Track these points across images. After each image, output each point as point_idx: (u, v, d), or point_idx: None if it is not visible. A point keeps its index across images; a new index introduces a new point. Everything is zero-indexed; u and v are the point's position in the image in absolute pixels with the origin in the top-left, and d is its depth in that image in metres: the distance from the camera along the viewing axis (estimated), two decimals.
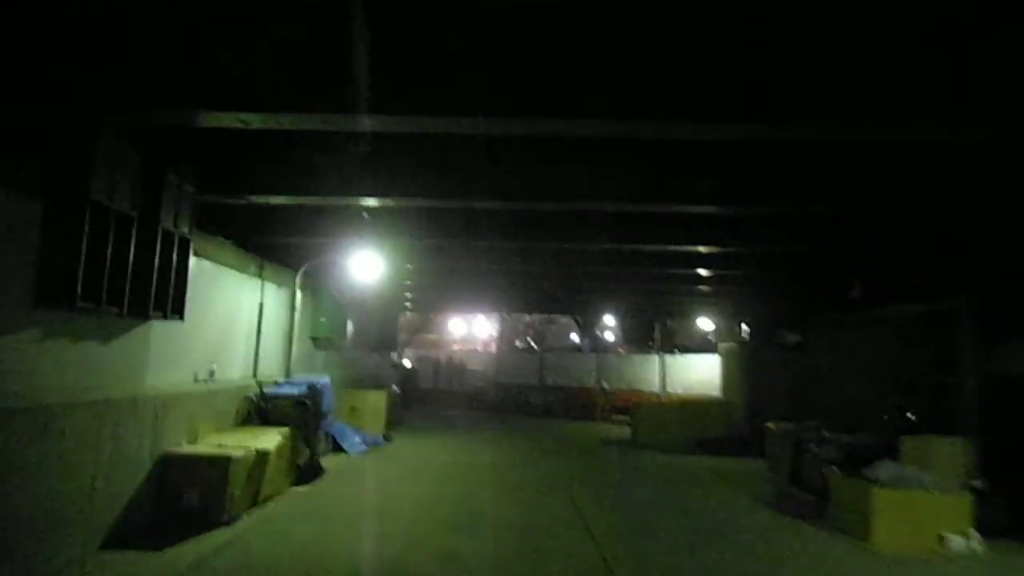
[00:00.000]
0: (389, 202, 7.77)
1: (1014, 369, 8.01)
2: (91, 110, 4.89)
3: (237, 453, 6.83)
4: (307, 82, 4.60)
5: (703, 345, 22.64)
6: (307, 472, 8.81)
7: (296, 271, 10.43)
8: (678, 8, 4.26)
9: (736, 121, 4.56)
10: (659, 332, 21.85)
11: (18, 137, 4.77)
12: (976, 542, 6.90)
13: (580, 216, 8.97)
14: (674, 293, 15.82)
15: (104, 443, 5.68)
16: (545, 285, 14.35)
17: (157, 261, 6.28)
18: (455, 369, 28.60)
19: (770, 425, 12.04)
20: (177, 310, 6.76)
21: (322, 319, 12.77)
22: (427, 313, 32.40)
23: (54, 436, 5.06)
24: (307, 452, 8.73)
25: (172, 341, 7.39)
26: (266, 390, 8.95)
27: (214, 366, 8.28)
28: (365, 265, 10.24)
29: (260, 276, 10.14)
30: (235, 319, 9.32)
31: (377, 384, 16.53)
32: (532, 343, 31.88)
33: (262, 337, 10.11)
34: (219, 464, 6.63)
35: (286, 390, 8.99)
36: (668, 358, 20.41)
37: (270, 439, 7.79)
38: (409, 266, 12.19)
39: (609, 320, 27.68)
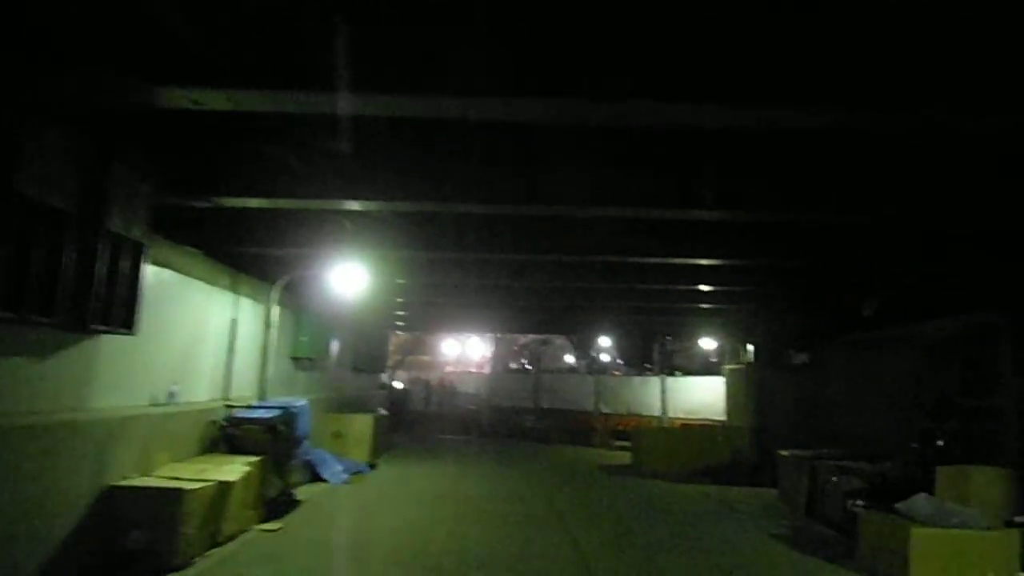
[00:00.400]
0: (372, 206, 7.06)
1: None
2: (12, 83, 4.15)
3: (192, 485, 6.01)
4: (277, 55, 3.89)
5: (705, 367, 21.85)
6: (279, 506, 7.96)
7: (273, 284, 9.65)
8: None
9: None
10: (659, 353, 21.09)
11: None
12: None
13: (578, 225, 8.27)
14: (675, 311, 15.10)
15: (26, 478, 4.85)
16: (540, 302, 13.59)
17: (101, 268, 5.53)
18: (447, 391, 27.73)
19: (782, 453, 11.24)
20: (126, 323, 5.99)
21: (303, 337, 11.97)
22: (420, 333, 31.60)
23: None
24: (279, 483, 7.89)
25: (125, 359, 6.59)
26: (236, 414, 8.13)
27: (176, 387, 7.47)
28: (348, 278, 9.48)
29: (234, 290, 9.36)
30: (203, 336, 8.52)
31: (364, 407, 15.68)
32: (527, 365, 31.05)
33: (235, 356, 9.31)
34: (170, 498, 5.81)
35: (258, 414, 8.17)
36: (669, 380, 19.59)
37: (235, 469, 6.97)
38: (401, 281, 11.44)
39: (605, 341, 26.95)
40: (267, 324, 9.38)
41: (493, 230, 8.44)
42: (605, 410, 20.04)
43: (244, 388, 9.49)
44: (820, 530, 8.88)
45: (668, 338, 20.22)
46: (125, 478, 6.13)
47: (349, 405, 14.82)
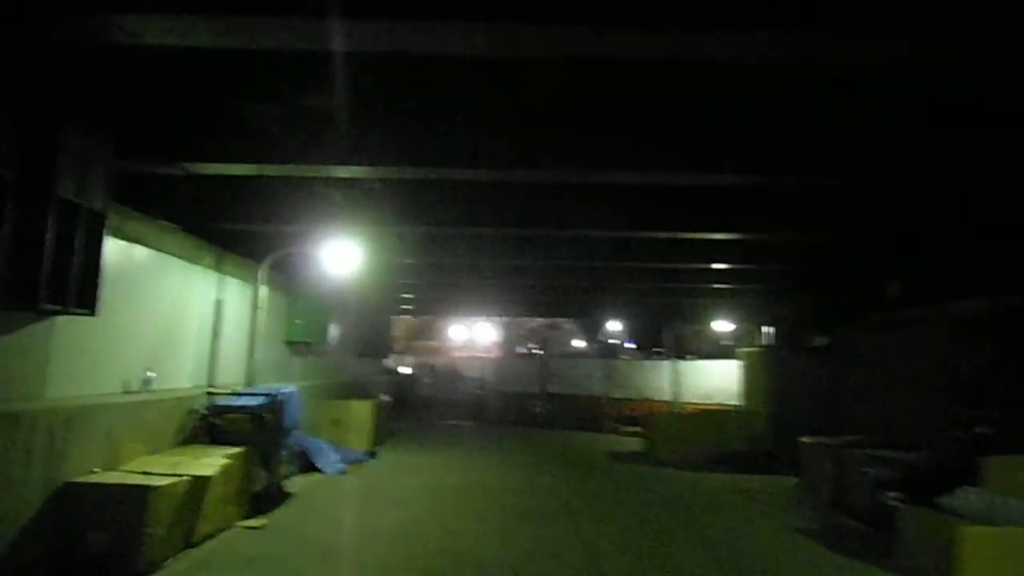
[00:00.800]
0: (361, 172, 6.41)
1: None
2: None
3: (160, 482, 5.43)
4: None
5: (718, 350, 21.16)
6: (266, 500, 7.39)
7: (261, 263, 9.04)
8: None
9: None
10: (670, 336, 20.41)
11: None
12: None
13: (589, 193, 7.61)
14: (687, 292, 14.44)
15: None
16: (547, 282, 12.94)
17: (52, 240, 4.91)
18: (452, 376, 27.20)
19: (805, 440, 10.58)
20: (84, 302, 5.37)
21: (298, 320, 11.38)
22: (426, 317, 31.02)
23: None
24: (264, 476, 7.31)
25: (90, 343, 6.01)
26: (218, 402, 7.54)
27: (151, 373, 6.89)
28: (341, 256, 8.85)
29: (218, 269, 8.75)
30: (185, 318, 7.93)
31: (366, 393, 15.11)
32: (535, 349, 30.48)
33: (220, 340, 8.72)
34: (133, 496, 5.23)
35: (242, 401, 7.58)
36: (681, 364, 18.92)
37: (213, 462, 6.38)
38: (408, 260, 10.81)
39: (614, 324, 26.26)
40: (254, 306, 8.76)
41: (494, 202, 7.80)
42: (615, 395, 19.41)
43: (231, 374, 8.92)
44: (848, 523, 8.25)
45: (680, 321, 19.53)
46: (90, 472, 5.57)
47: (350, 391, 14.26)
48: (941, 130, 5.29)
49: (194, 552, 5.84)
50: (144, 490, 5.23)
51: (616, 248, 9.90)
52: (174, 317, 7.68)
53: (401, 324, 36.76)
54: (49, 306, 4.95)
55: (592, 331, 26.98)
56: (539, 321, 37.07)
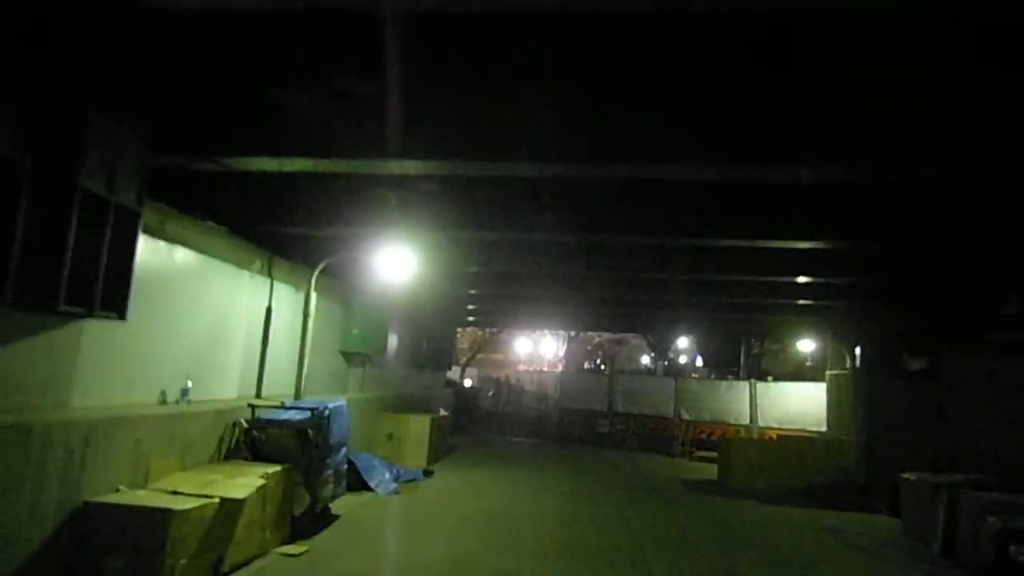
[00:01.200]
0: (412, 167, 5.78)
1: None
2: None
3: (184, 504, 4.92)
4: None
5: (798, 371, 19.76)
6: (309, 523, 6.86)
7: (313, 269, 8.60)
8: None
9: None
10: (746, 355, 19.17)
11: None
12: None
13: (655, 196, 6.84)
14: (766, 308, 13.30)
15: None
16: (615, 294, 12.11)
17: (74, 235, 4.50)
18: (516, 390, 26.57)
19: (908, 476, 9.37)
20: (113, 306, 4.95)
21: (354, 330, 10.94)
22: (490, 328, 30.52)
23: None
24: (307, 497, 6.77)
25: (125, 349, 5.63)
26: (261, 415, 7.08)
27: (189, 383, 6.47)
28: (396, 262, 8.33)
29: (268, 274, 8.36)
30: (230, 325, 7.54)
31: (426, 407, 14.61)
32: (601, 365, 29.55)
33: (269, 349, 8.31)
34: (155, 520, 4.73)
35: (286, 415, 7.09)
36: (760, 386, 17.66)
37: (249, 481, 5.87)
38: (472, 269, 10.24)
39: (683, 341, 25.08)
40: (305, 314, 8.31)
41: (558, 205, 7.12)
42: (686, 416, 18.28)
43: (280, 385, 8.49)
44: None
45: (758, 339, 18.31)
46: (116, 490, 5.13)
47: (409, 404, 13.77)
48: None
49: None
50: (165, 514, 4.74)
51: (688, 258, 9.04)
52: (219, 324, 7.29)
53: (466, 336, 36.52)
54: (69, 308, 4.52)
55: (661, 348, 25.89)
56: (605, 336, 36.11)
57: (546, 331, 37.88)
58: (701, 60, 4.19)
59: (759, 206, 6.89)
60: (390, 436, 11.97)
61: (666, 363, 25.95)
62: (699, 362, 29.08)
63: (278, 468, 6.40)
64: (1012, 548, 6.51)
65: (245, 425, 6.88)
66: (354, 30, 4.38)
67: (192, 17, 4.19)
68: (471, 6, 3.54)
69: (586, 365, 38.78)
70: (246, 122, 5.22)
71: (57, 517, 4.59)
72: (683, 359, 30.26)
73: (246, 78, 4.91)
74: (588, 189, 7.03)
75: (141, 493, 5.20)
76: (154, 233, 5.99)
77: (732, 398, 17.86)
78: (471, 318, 20.95)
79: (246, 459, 6.77)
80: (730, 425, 17.51)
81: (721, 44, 3.99)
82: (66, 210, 4.44)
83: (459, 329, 30.83)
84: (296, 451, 6.85)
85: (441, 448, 13.51)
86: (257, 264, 8.10)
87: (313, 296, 8.33)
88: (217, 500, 5.29)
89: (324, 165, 5.57)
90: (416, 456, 11.92)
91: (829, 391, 14.58)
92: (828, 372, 14.99)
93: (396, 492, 9.53)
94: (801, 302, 11.99)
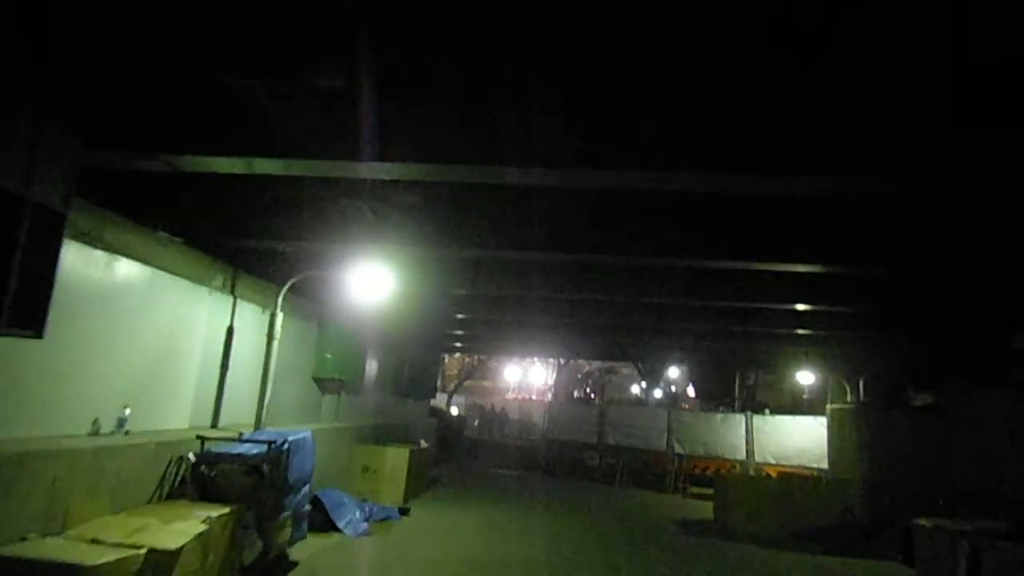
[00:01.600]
0: (384, 171, 5.13)
1: None
2: None
3: (99, 558, 4.15)
4: None
5: (795, 404, 19.09)
6: (259, 574, 6.05)
7: (282, 287, 7.89)
8: None
9: None
10: (742, 386, 18.49)
11: None
12: None
13: (647, 215, 6.24)
14: (763, 337, 12.69)
15: None
16: (605, 320, 11.50)
17: None
18: (502, 420, 25.75)
19: (923, 522, 8.64)
20: (25, 322, 4.24)
21: (328, 355, 10.20)
22: (478, 355, 29.71)
23: None
24: (259, 544, 5.98)
25: (48, 372, 4.89)
26: (212, 448, 6.31)
27: (127, 411, 5.71)
28: (373, 282, 7.64)
29: (232, 291, 7.65)
30: (182, 347, 6.80)
31: (406, 437, 13.79)
32: (590, 394, 28.78)
33: (230, 374, 7.57)
34: None
35: (240, 449, 6.33)
36: (757, 419, 16.94)
37: (187, 527, 5.09)
38: (460, 291, 9.57)
39: (674, 371, 24.40)
40: (269, 335, 7.58)
41: (547, 220, 6.50)
42: (679, 450, 17.49)
43: (242, 415, 7.73)
44: None
45: (754, 370, 17.66)
46: (21, 539, 4.36)
47: (388, 435, 12.96)
48: None
49: None
50: (72, 570, 3.96)
51: (687, 280, 8.44)
52: (170, 346, 6.55)
53: (454, 362, 35.65)
54: None
55: (653, 377, 25.18)
56: (595, 364, 35.38)
57: (535, 358, 37.12)
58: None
59: (757, 227, 6.33)
60: (365, 469, 11.16)
61: (659, 393, 25.20)
62: (691, 391, 28.42)
63: (225, 510, 5.62)
64: None
65: (192, 460, 6.10)
66: (322, 23, 3.78)
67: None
68: None
69: (576, 394, 37.97)
70: (204, 118, 4.59)
71: None
72: (673, 388, 29.60)
73: (196, 64, 4.26)
74: (581, 206, 6.42)
75: (53, 542, 4.42)
76: (90, 241, 5.30)
77: (727, 431, 17.12)
78: (458, 344, 20.23)
79: (192, 499, 5.98)
80: (725, 460, 16.75)
81: None
82: None
83: (446, 356, 30.06)
84: (250, 490, 6.08)
85: (421, 482, 12.68)
86: (219, 280, 7.39)
87: (280, 316, 7.61)
88: (144, 551, 4.51)
89: (283, 165, 4.91)
90: (393, 491, 11.10)
91: (830, 427, 13.89)
92: (829, 406, 14.32)
93: (367, 533, 8.71)
94: (800, 331, 11.40)
